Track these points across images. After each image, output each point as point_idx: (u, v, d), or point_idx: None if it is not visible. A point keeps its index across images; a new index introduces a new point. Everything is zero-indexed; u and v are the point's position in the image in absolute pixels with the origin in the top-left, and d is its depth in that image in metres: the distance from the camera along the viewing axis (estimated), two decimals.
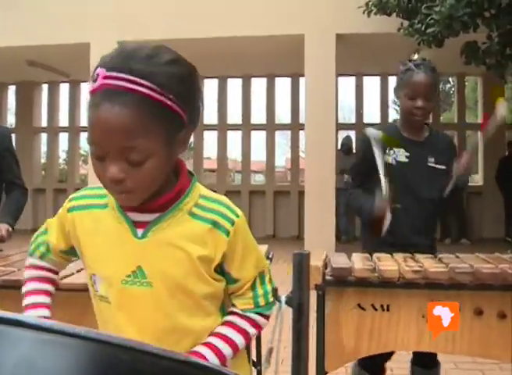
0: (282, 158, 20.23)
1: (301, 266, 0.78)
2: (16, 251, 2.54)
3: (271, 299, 1.35)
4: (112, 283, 1.24)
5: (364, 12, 7.16)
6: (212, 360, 1.22)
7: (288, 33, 8.86)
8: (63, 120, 13.96)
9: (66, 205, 1.32)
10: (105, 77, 1.11)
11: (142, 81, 1.10)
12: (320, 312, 2.02)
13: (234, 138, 13.24)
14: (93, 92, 1.13)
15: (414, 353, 2.73)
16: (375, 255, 2.27)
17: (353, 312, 2.06)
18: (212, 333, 1.28)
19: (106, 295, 1.25)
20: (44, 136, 13.96)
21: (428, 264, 2.06)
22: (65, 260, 1.44)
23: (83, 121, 13.07)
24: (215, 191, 1.33)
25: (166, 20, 8.96)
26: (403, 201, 2.56)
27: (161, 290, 1.22)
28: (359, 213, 2.82)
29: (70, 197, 1.34)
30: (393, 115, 23.36)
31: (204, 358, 1.22)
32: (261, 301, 1.33)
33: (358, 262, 2.13)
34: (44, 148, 14.10)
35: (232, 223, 1.25)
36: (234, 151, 14.65)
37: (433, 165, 2.67)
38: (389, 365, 2.96)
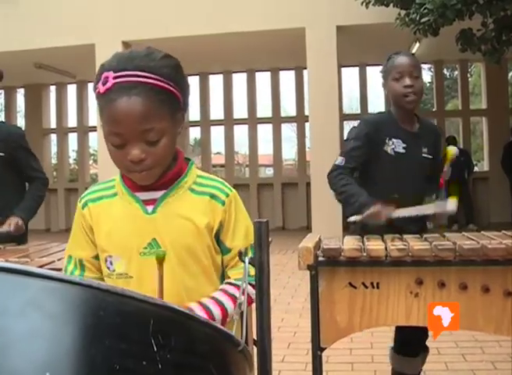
0: (292, 151, 20.23)
1: (261, 231, 0.92)
2: (30, 245, 2.78)
3: None
4: (131, 258, 1.41)
5: (362, 4, 7.24)
6: (199, 314, 1.35)
7: (289, 27, 8.96)
8: (72, 121, 14.16)
9: (79, 205, 1.49)
10: (116, 77, 1.30)
11: (148, 74, 1.31)
12: (313, 291, 2.15)
13: (242, 132, 13.38)
14: (105, 92, 1.31)
15: (398, 341, 2.79)
16: (366, 236, 2.39)
17: (345, 291, 2.18)
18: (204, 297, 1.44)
19: (126, 271, 1.42)
20: (53, 137, 14.14)
21: (414, 242, 2.18)
22: (99, 267, 1.50)
23: (92, 121, 13.24)
24: None
25: (169, 19, 9.08)
26: (399, 191, 2.61)
27: (174, 257, 1.40)
28: (347, 199, 2.77)
29: (81, 197, 1.52)
30: None
31: (191, 310, 1.35)
32: (252, 271, 1.47)
33: (348, 243, 2.25)
34: (54, 148, 14.30)
35: (227, 195, 1.47)
36: (244, 146, 14.75)
37: (426, 155, 2.77)
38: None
